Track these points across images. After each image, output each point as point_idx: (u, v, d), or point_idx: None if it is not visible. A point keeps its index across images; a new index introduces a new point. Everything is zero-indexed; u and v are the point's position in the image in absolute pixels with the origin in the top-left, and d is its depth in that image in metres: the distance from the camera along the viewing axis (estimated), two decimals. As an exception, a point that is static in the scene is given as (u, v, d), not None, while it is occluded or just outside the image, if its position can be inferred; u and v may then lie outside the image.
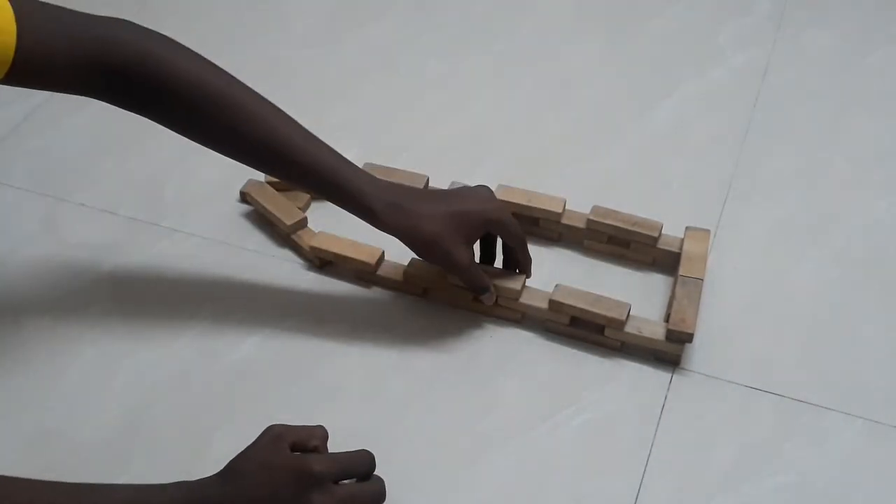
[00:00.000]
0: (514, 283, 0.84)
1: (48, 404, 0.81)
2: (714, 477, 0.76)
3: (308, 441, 0.69)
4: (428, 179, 0.95)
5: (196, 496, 0.67)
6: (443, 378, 0.83)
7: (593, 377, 0.83)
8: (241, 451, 0.68)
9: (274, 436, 0.68)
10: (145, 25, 0.78)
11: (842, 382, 0.82)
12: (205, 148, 0.80)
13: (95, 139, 1.06)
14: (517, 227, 0.84)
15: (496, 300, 0.85)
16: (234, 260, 0.93)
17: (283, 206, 0.93)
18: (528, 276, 0.86)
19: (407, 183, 0.91)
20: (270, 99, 0.83)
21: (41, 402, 0.81)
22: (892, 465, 0.77)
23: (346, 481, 0.69)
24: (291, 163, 0.79)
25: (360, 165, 0.98)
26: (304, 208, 0.96)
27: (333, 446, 0.70)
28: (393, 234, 0.81)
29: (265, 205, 0.94)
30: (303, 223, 0.92)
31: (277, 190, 0.96)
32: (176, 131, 0.80)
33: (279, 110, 0.80)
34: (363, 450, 0.71)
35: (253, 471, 0.67)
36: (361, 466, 0.70)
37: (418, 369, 0.84)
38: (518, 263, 0.86)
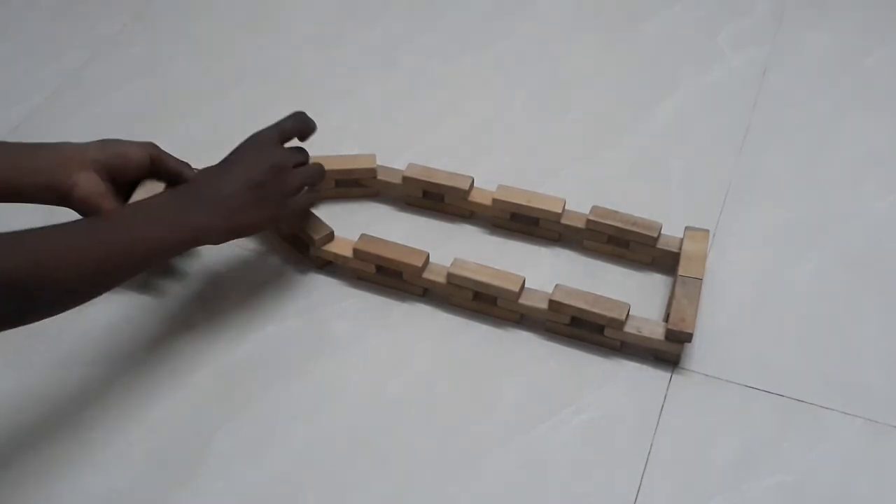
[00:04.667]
0: (512, 285, 0.84)
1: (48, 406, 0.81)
2: (714, 477, 0.76)
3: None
4: (473, 180, 0.95)
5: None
6: (443, 378, 0.83)
7: (593, 377, 0.83)
8: None
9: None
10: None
11: (842, 382, 0.82)
12: (204, 148, 0.80)
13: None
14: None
15: (496, 301, 0.85)
16: (235, 260, 0.93)
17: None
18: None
19: (448, 184, 0.93)
20: (271, 99, 0.83)
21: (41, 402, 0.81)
22: (891, 465, 0.77)
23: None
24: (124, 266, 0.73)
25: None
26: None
27: (333, 446, 0.70)
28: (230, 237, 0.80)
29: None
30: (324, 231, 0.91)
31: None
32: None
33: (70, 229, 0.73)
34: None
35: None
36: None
37: (418, 369, 0.84)
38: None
